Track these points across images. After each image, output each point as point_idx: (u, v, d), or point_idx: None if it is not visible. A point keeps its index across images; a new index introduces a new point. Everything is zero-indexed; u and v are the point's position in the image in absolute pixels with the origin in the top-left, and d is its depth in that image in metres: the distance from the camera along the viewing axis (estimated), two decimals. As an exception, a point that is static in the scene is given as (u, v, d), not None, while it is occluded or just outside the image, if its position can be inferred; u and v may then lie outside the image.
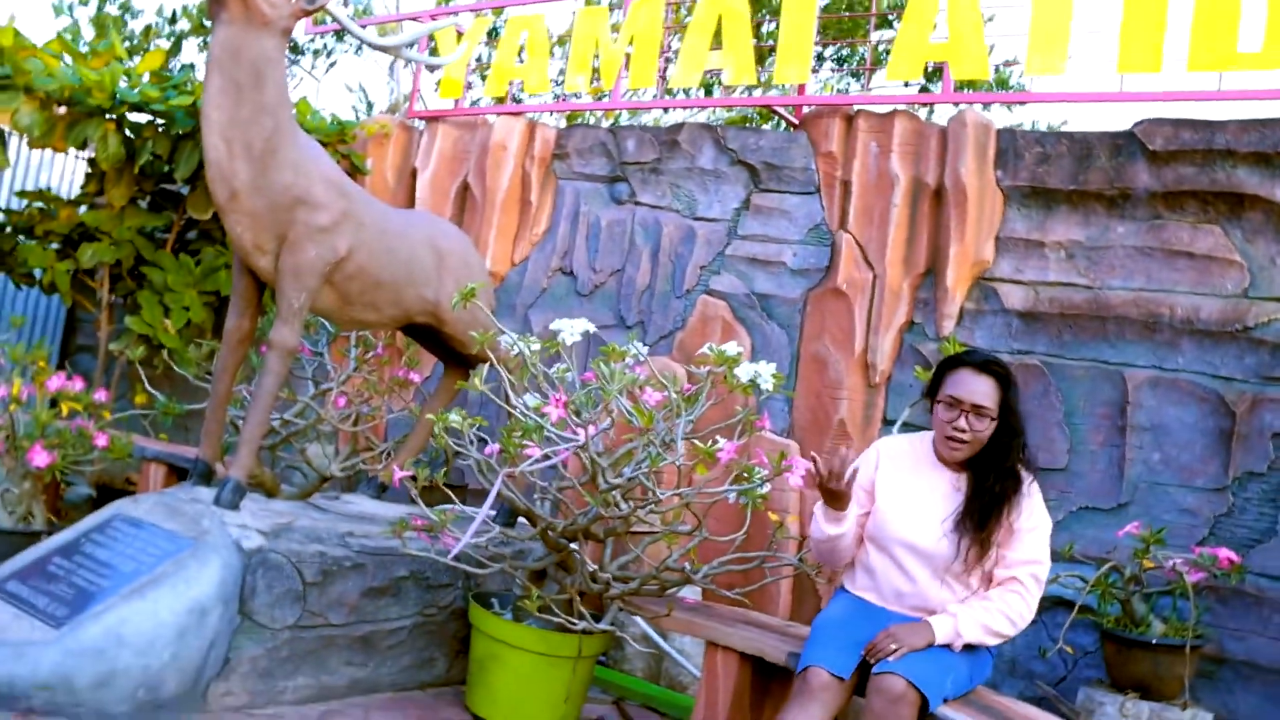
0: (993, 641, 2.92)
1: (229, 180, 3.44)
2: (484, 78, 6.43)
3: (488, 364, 3.69)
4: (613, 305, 5.57)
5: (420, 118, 6.56)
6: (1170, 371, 4.24)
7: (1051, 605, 4.21)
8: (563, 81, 6.12)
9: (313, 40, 13.80)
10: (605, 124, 5.71)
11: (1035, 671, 4.28)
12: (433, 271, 4.18)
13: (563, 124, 7.31)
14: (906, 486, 3.07)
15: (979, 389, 2.94)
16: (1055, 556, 4.13)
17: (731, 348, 3.37)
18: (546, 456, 3.14)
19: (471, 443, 3.42)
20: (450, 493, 3.65)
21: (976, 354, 3.06)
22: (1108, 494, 4.28)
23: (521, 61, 6.27)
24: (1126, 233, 4.40)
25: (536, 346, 3.48)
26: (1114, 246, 4.41)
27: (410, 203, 6.28)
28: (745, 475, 3.26)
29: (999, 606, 2.90)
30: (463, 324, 4.19)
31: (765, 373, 3.19)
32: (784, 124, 5.66)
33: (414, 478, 3.43)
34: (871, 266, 4.82)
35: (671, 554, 3.44)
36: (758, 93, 7.23)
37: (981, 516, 2.94)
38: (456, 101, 6.43)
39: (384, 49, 3.80)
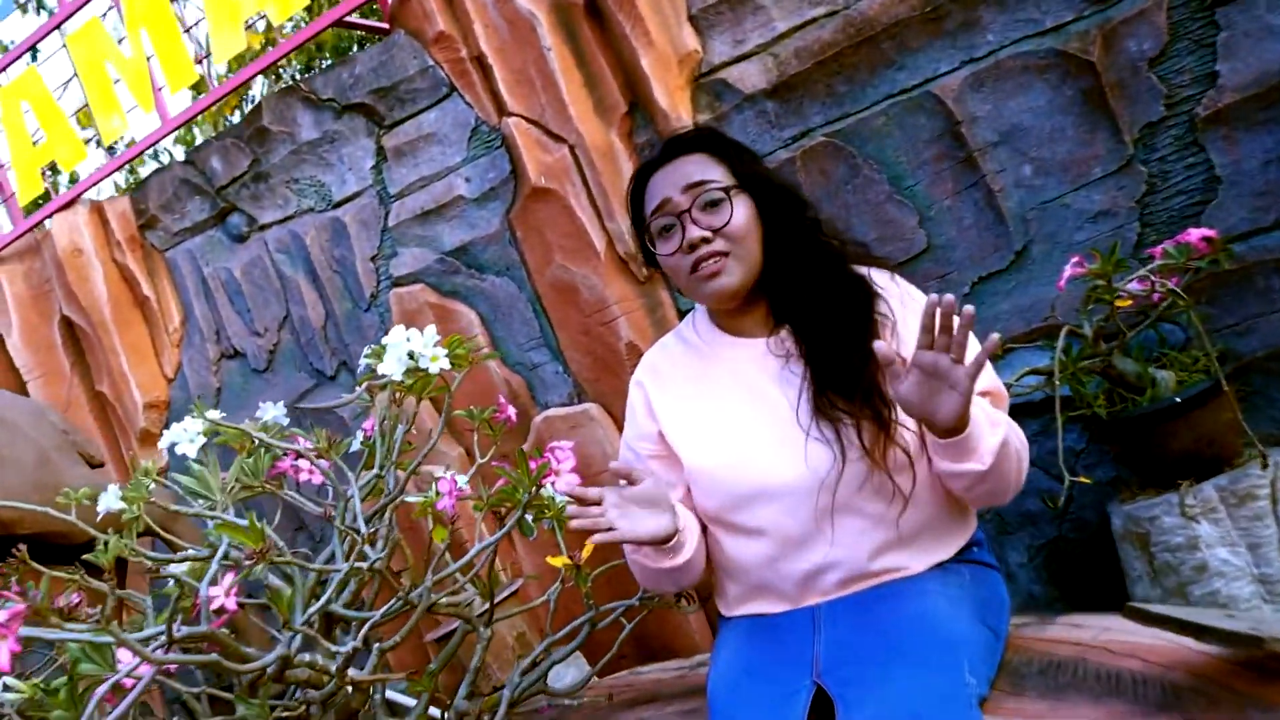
0: (1006, 480, 1.77)
1: None
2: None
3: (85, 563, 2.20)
4: (301, 362, 4.11)
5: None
6: (987, 58, 3.02)
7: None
8: (98, 137, 4.55)
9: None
10: (178, 155, 4.41)
11: (1037, 516, 3.07)
12: None
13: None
14: (707, 403, 1.75)
15: (682, 171, 1.73)
16: (981, 362, 2.93)
17: (395, 336, 1.99)
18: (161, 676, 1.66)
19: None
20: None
21: (651, 151, 2.20)
22: (997, 249, 3.06)
23: (39, 140, 4.68)
24: (839, -79, 3.16)
25: (146, 484, 2.03)
26: (834, -54, 3.16)
27: (13, 378, 4.68)
28: (509, 499, 1.94)
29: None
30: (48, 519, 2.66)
31: (430, 354, 1.81)
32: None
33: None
34: (562, 139, 3.46)
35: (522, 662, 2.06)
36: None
37: (841, 358, 1.62)
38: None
39: None
